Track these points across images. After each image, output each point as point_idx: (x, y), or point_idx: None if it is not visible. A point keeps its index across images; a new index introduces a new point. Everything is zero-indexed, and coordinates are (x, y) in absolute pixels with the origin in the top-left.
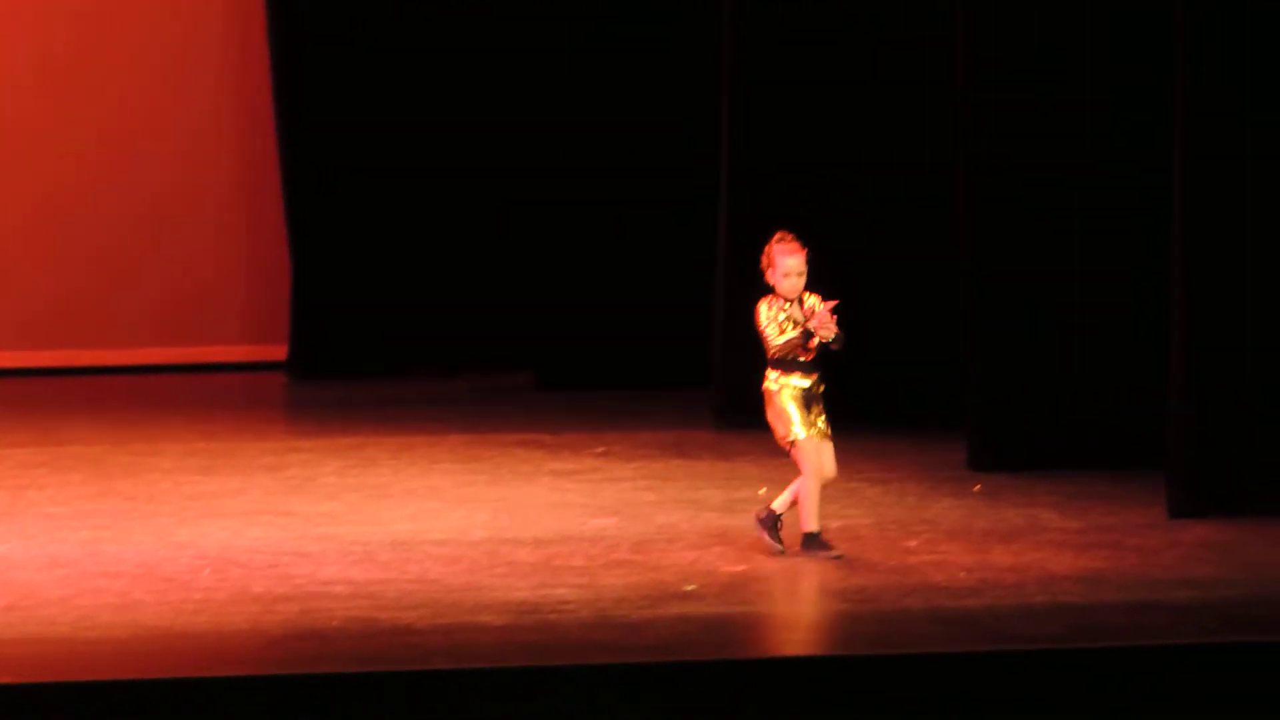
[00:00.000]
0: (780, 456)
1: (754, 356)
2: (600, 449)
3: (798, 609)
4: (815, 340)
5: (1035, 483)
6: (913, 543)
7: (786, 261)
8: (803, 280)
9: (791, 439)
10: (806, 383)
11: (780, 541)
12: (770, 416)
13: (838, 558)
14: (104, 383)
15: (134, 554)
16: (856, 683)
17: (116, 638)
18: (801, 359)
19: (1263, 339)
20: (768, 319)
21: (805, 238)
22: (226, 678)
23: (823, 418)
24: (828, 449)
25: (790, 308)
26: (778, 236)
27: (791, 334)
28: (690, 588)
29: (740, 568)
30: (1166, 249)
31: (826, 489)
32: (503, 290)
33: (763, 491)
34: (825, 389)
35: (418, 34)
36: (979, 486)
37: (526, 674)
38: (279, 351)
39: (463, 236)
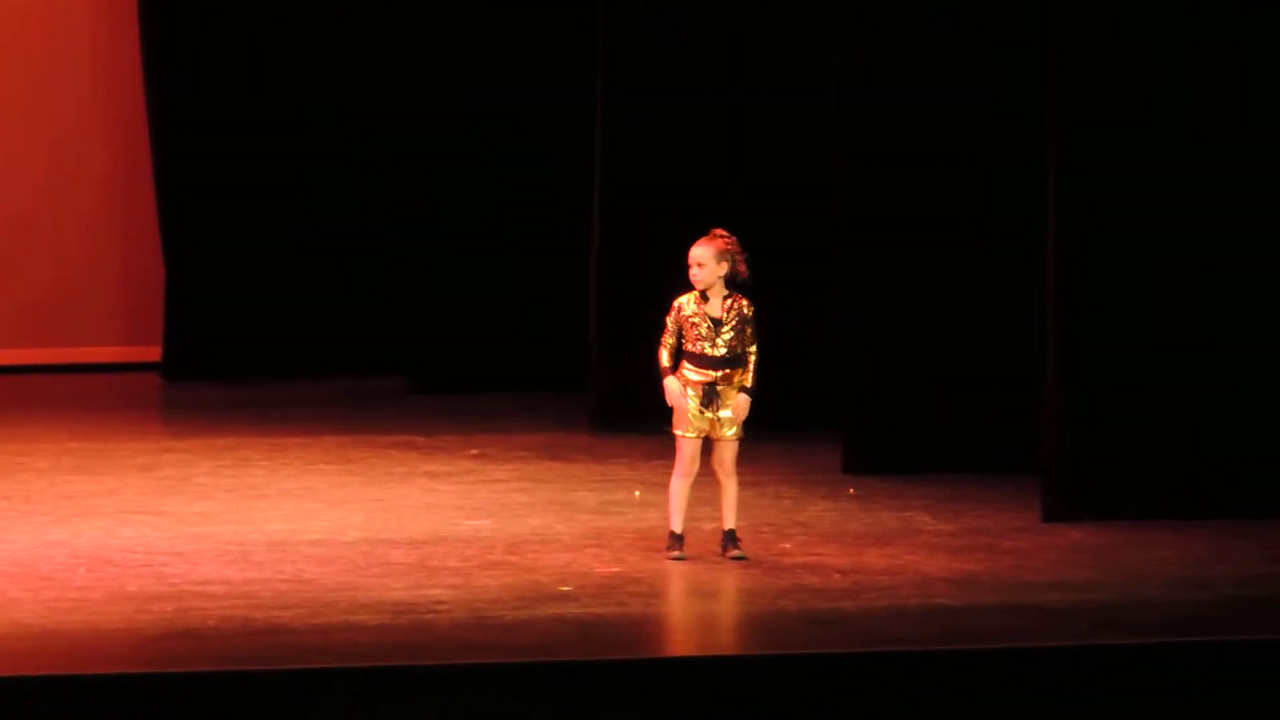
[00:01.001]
0: (655, 459)
1: (630, 360)
2: (475, 451)
3: (673, 610)
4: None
5: (909, 486)
6: (787, 545)
7: (692, 252)
8: (704, 272)
9: (676, 433)
10: (702, 378)
11: (739, 552)
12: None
13: (680, 559)
14: None
15: (9, 552)
16: (730, 684)
17: None
18: (706, 353)
19: (1136, 343)
20: (669, 325)
21: (678, 239)
22: (101, 676)
23: (727, 415)
24: (720, 446)
25: (708, 305)
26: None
27: (663, 361)
28: (565, 589)
29: (615, 569)
30: (1042, 249)
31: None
32: (376, 293)
33: (637, 494)
34: (744, 382)
35: (291, 30)
36: (853, 490)
37: (402, 673)
38: (153, 353)
39: (337, 238)
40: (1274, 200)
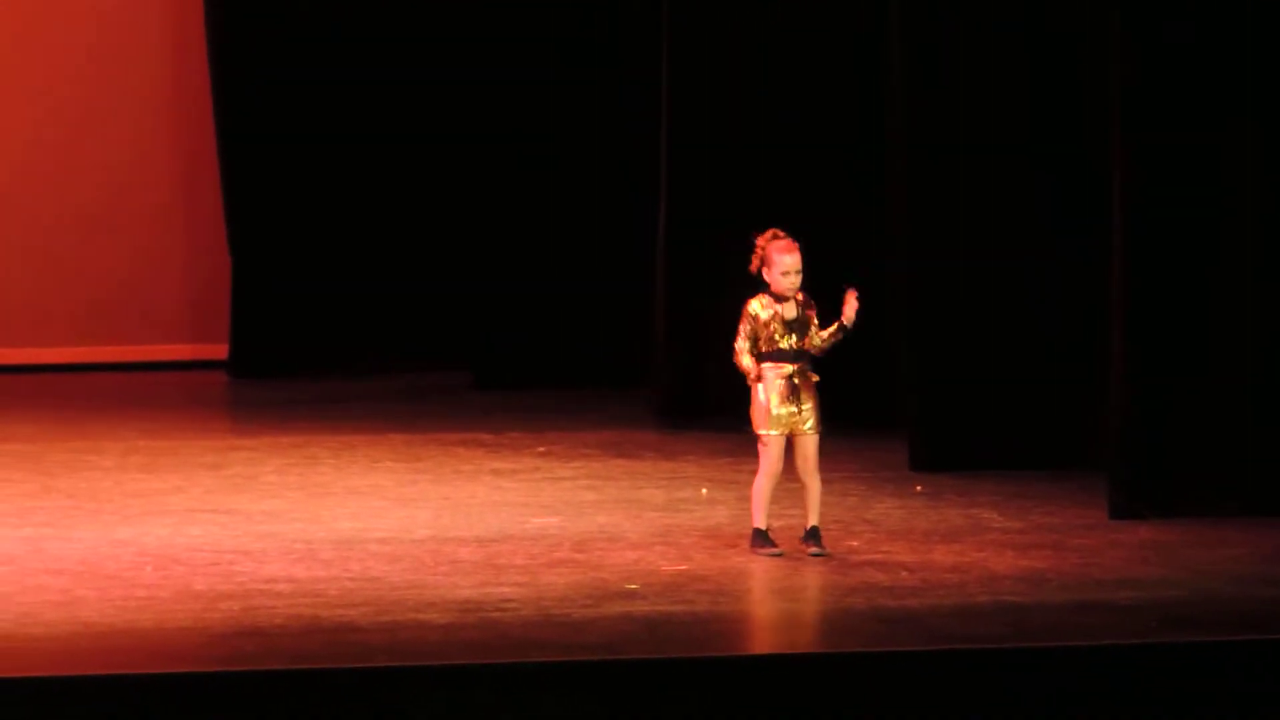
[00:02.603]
0: (722, 456)
1: (695, 356)
2: (541, 448)
3: (740, 608)
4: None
5: (976, 483)
6: (855, 542)
7: (784, 259)
8: (800, 278)
9: (760, 433)
10: (789, 370)
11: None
12: (750, 409)
13: (779, 554)
14: (44, 381)
15: (76, 551)
16: (800, 682)
17: (59, 634)
18: (782, 348)
19: (1204, 342)
20: (744, 332)
21: (743, 236)
22: (169, 674)
23: (807, 408)
24: (801, 443)
25: (782, 307)
26: (771, 234)
27: (751, 375)
28: (632, 587)
29: (682, 567)
30: (1107, 244)
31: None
32: (441, 288)
33: (705, 492)
34: (819, 378)
35: (358, 30)
36: (920, 487)
37: (469, 671)
38: (220, 350)
39: (402, 236)
40: None
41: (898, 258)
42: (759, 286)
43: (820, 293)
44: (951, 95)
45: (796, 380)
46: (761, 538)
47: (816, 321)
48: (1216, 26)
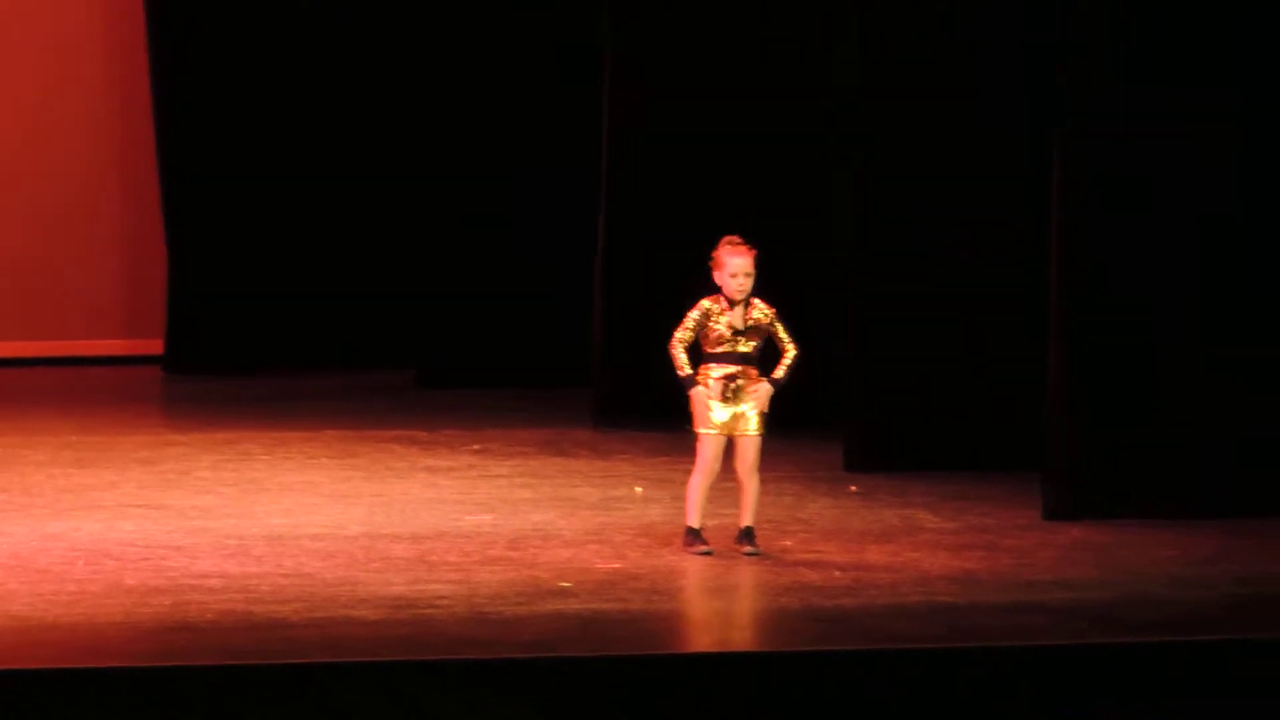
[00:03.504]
0: (657, 455)
1: (633, 356)
2: (476, 446)
3: (674, 607)
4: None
5: (911, 483)
6: (789, 542)
7: (734, 262)
8: (750, 281)
9: (698, 432)
10: (723, 371)
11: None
12: (690, 407)
13: (708, 553)
14: None
15: (7, 545)
16: (734, 681)
17: None
18: (721, 350)
19: (1137, 346)
20: (689, 323)
21: (685, 237)
22: (99, 669)
23: (748, 410)
24: (743, 445)
25: (732, 314)
26: (726, 238)
27: (682, 372)
28: (566, 585)
29: (615, 565)
30: (1045, 252)
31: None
32: (383, 287)
33: (639, 490)
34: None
35: (297, 33)
36: (855, 487)
37: (402, 668)
38: (155, 345)
39: (342, 233)
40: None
41: (840, 260)
42: (699, 288)
43: (768, 295)
44: (897, 92)
45: (740, 382)
46: (693, 536)
47: (782, 334)
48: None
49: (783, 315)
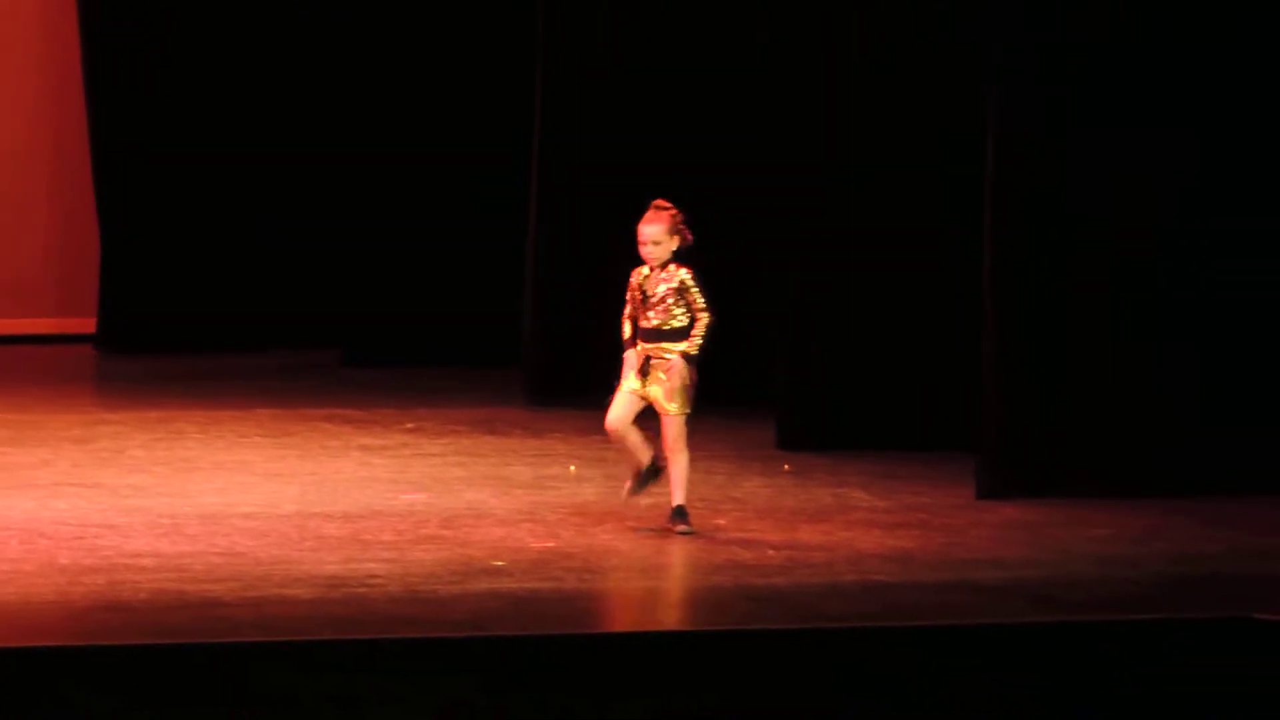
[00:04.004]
0: (590, 434)
1: (564, 335)
2: (410, 425)
3: (607, 586)
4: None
5: (844, 462)
6: (721, 521)
7: (642, 230)
8: (659, 250)
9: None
10: (644, 348)
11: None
12: None
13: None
14: None
15: None
16: (664, 659)
17: None
18: (641, 326)
19: (1069, 327)
20: (626, 293)
21: (616, 218)
22: (33, 648)
23: (656, 389)
24: (663, 422)
25: (647, 280)
26: (651, 204)
27: (625, 333)
28: (499, 563)
29: (549, 544)
30: (979, 229)
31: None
32: (310, 266)
33: (572, 468)
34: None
35: (228, 10)
36: (788, 466)
37: (336, 647)
38: (88, 324)
39: (271, 212)
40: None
41: (771, 237)
42: (622, 268)
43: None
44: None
45: (653, 361)
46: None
47: (695, 299)
48: None
49: (704, 284)
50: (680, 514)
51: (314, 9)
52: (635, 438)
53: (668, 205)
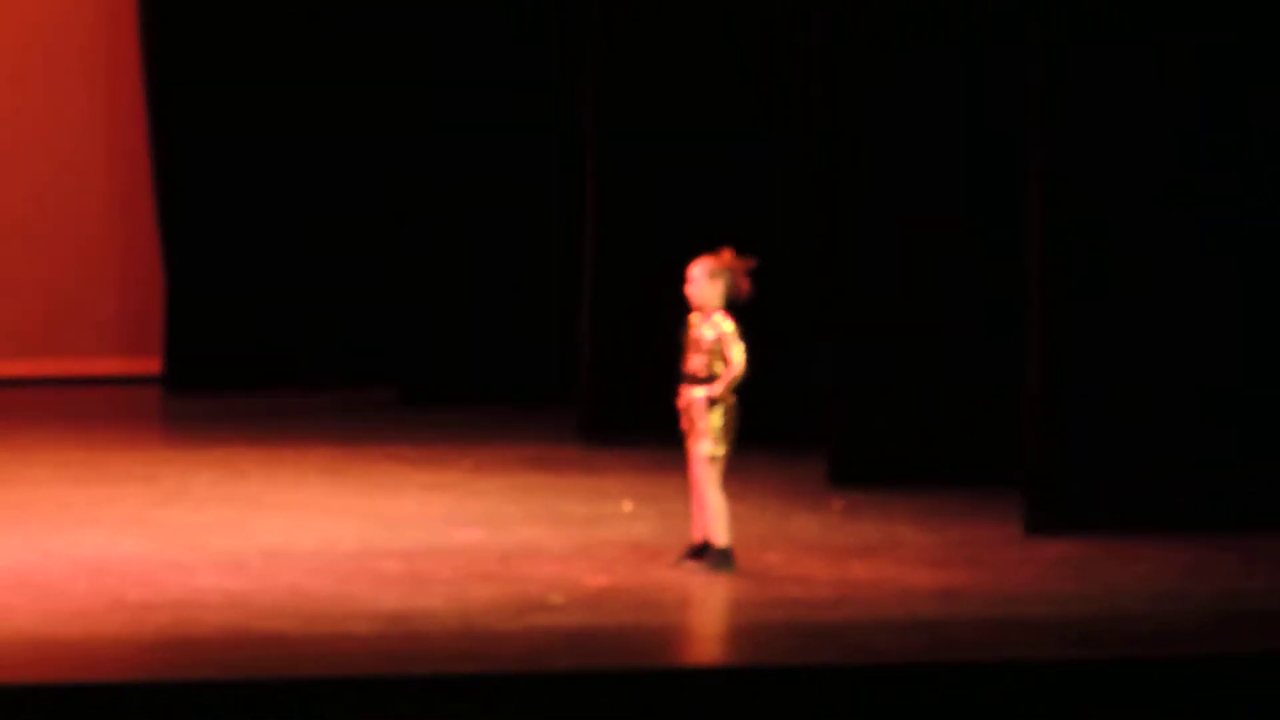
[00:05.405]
0: (644, 471)
1: (619, 373)
2: (466, 463)
3: (661, 621)
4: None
5: (893, 499)
6: (772, 557)
7: (689, 268)
8: (693, 288)
9: None
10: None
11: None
12: None
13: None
14: None
15: (8, 562)
16: (718, 694)
17: None
18: (685, 369)
19: (1114, 363)
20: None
21: (673, 257)
22: (99, 683)
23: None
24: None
25: (697, 323)
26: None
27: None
28: (554, 600)
29: (603, 580)
30: (1025, 270)
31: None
32: (371, 308)
33: (626, 505)
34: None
35: (293, 49)
36: (838, 502)
37: (395, 682)
38: (154, 365)
39: (333, 255)
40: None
41: (822, 280)
42: (679, 306)
43: (760, 305)
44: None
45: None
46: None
47: (726, 350)
48: None
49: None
50: (697, 551)
51: (376, 65)
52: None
53: (730, 253)
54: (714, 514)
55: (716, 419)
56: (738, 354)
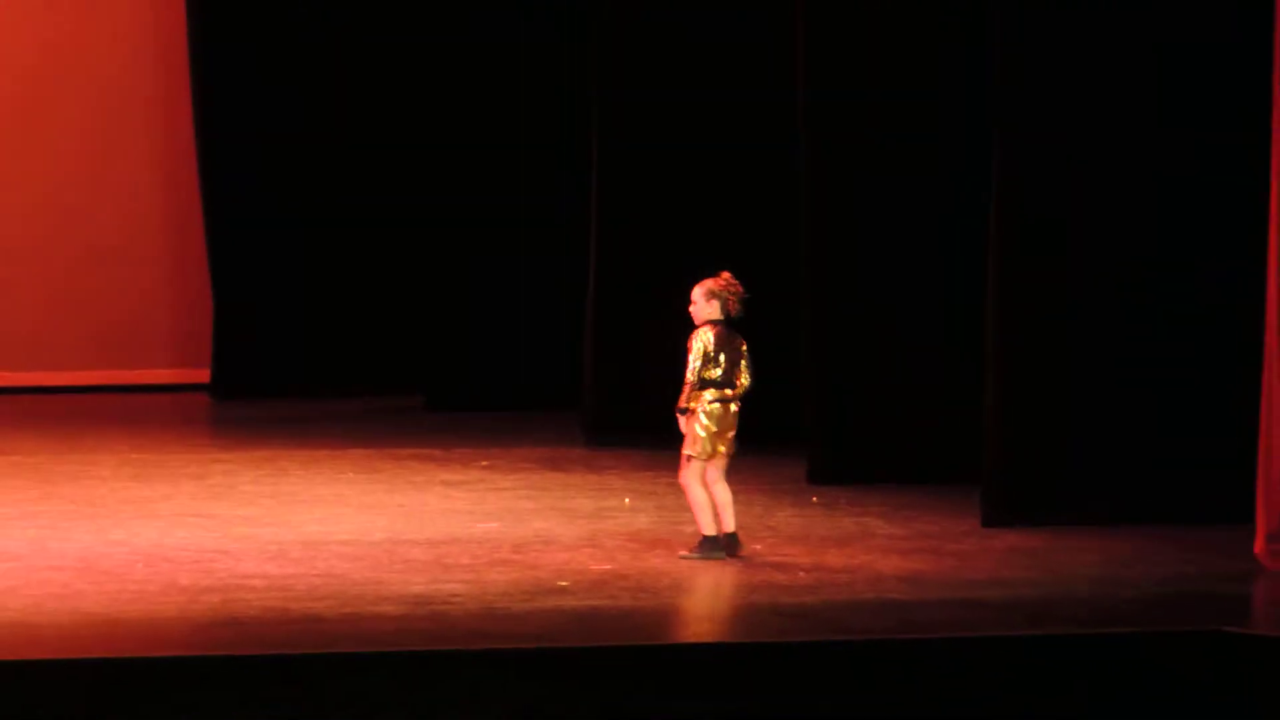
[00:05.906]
0: (644, 470)
1: (620, 380)
2: (485, 462)
3: (658, 603)
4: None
5: (867, 495)
6: (758, 546)
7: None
8: (694, 309)
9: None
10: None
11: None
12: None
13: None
14: (46, 401)
15: (75, 550)
16: (709, 668)
17: (61, 623)
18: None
19: (1062, 367)
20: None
21: (667, 265)
22: (157, 658)
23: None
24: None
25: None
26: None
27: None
28: (564, 584)
29: (607, 567)
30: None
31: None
32: (397, 319)
33: (627, 501)
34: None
35: (337, 73)
36: (816, 498)
37: (421, 657)
38: (203, 375)
39: (364, 275)
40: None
41: (801, 289)
42: (680, 316)
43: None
44: (858, 117)
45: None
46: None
47: (689, 362)
48: None
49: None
50: (701, 541)
51: (420, 89)
52: (705, 497)
53: (726, 276)
54: (696, 507)
55: (693, 425)
56: (691, 369)
